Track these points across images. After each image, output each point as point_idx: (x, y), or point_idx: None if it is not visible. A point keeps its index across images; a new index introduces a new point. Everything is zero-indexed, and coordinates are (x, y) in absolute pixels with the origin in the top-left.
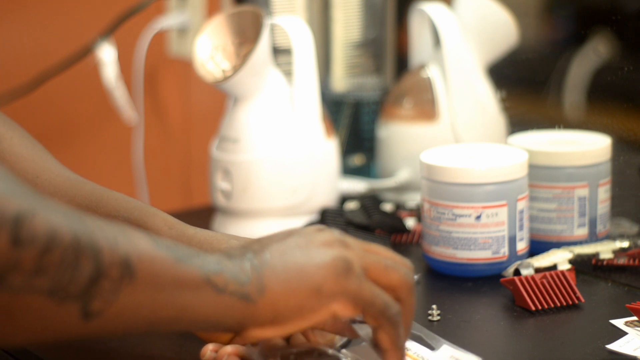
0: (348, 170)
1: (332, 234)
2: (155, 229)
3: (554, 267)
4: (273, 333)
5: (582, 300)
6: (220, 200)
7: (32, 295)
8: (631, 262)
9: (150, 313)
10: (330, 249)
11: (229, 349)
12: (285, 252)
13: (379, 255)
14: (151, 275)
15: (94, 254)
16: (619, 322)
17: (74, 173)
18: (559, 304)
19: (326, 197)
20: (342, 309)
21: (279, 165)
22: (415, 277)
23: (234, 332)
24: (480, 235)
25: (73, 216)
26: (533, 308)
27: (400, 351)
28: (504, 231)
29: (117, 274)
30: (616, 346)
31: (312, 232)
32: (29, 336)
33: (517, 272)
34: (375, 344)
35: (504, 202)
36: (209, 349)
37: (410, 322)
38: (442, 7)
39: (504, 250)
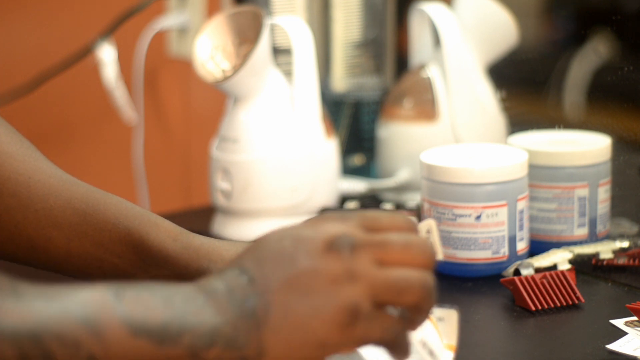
0: (348, 170)
1: (340, 256)
2: (158, 241)
3: (554, 267)
4: None
5: (582, 300)
6: (220, 200)
7: None
8: (631, 262)
9: None
10: (336, 290)
11: None
12: (290, 305)
13: (393, 249)
14: None
15: (45, 355)
16: (619, 322)
17: (66, 173)
18: (559, 304)
19: (326, 197)
20: (348, 351)
21: (279, 165)
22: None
23: None
24: (480, 235)
25: (26, 329)
26: (533, 308)
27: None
28: (504, 231)
29: None
30: (616, 346)
31: (318, 254)
32: None
33: (517, 272)
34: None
35: (504, 202)
36: None
37: (421, 322)
38: (442, 7)
39: (504, 250)
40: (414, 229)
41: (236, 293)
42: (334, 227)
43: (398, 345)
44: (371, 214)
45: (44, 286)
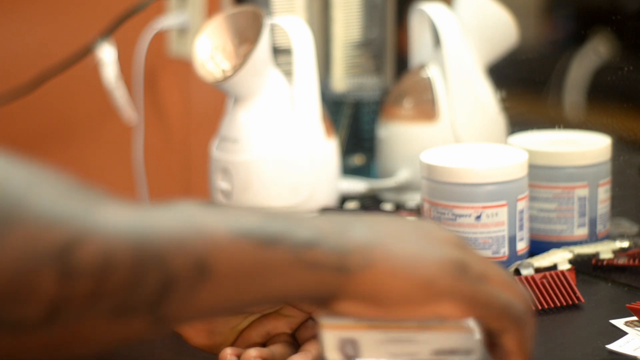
0: (348, 170)
1: (451, 232)
2: None
3: (554, 267)
4: (368, 312)
5: (582, 300)
6: (220, 200)
7: (92, 320)
8: (631, 262)
9: (231, 301)
10: (448, 247)
11: (253, 352)
12: (402, 237)
13: (500, 272)
14: (230, 269)
15: (160, 264)
16: (619, 322)
17: None
18: (559, 304)
19: (326, 197)
20: (452, 311)
21: (279, 165)
22: None
23: (322, 305)
24: (480, 235)
25: (134, 223)
26: (533, 308)
27: (527, 356)
28: (504, 231)
29: (190, 277)
30: (616, 346)
31: (430, 226)
32: (95, 352)
33: (517, 272)
34: (495, 350)
35: (504, 202)
36: (227, 352)
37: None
38: (442, 7)
39: (504, 250)
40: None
41: (344, 220)
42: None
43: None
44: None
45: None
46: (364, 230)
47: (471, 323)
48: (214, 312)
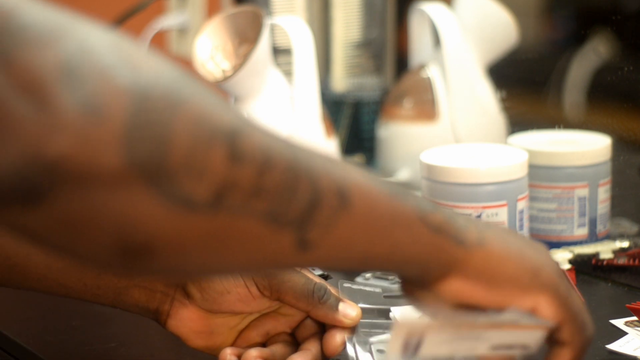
0: None
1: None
2: None
3: None
4: (475, 292)
5: (582, 300)
6: None
7: (250, 218)
8: (631, 262)
9: (363, 247)
10: (547, 254)
11: (253, 352)
12: (507, 232)
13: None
14: (367, 207)
15: (311, 180)
16: (619, 322)
17: None
18: None
19: None
20: (546, 306)
21: None
22: None
23: (429, 282)
24: None
25: (285, 141)
26: None
27: None
28: None
29: (334, 203)
30: (616, 346)
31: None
32: (243, 263)
33: None
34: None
35: (504, 202)
36: (227, 352)
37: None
38: (442, 7)
39: None
40: None
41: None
42: None
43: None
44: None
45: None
46: (470, 219)
47: (545, 322)
48: (346, 256)
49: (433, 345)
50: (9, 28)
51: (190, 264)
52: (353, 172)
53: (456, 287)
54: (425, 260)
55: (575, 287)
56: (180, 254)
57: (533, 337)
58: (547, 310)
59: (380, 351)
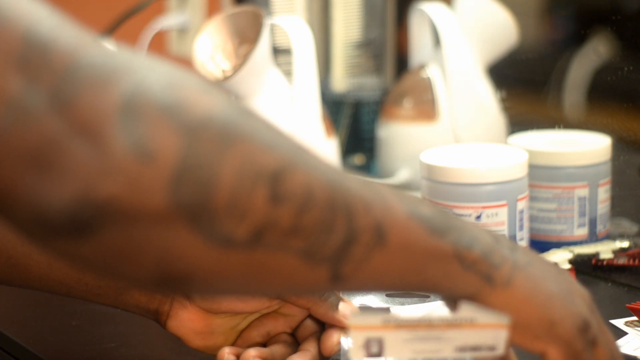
0: (348, 170)
1: (588, 294)
2: None
3: None
4: None
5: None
6: None
7: (286, 255)
8: (631, 262)
9: (396, 279)
10: (581, 301)
11: (252, 352)
12: (544, 273)
13: (609, 343)
14: (402, 245)
15: (348, 217)
16: (619, 322)
17: None
18: None
19: None
20: (554, 356)
21: None
22: None
23: (451, 299)
24: None
25: (330, 172)
26: None
27: None
28: (504, 231)
29: (370, 240)
30: None
31: (569, 276)
32: (276, 292)
33: None
34: None
35: (504, 202)
36: (225, 352)
37: None
38: (442, 7)
39: None
40: None
41: (494, 236)
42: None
43: None
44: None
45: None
46: (512, 252)
47: (501, 319)
48: (377, 286)
49: (395, 346)
50: (70, 70)
51: (226, 291)
52: (394, 206)
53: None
54: (452, 290)
55: None
56: (217, 284)
57: (497, 337)
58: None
59: None
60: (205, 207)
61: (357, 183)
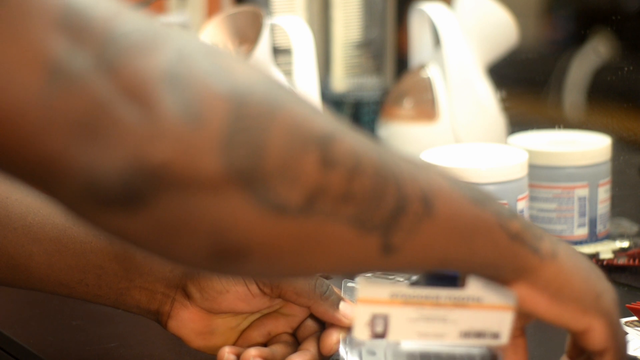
0: None
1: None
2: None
3: None
4: (538, 302)
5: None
6: None
7: (338, 223)
8: (631, 262)
9: (444, 251)
10: (607, 281)
11: (252, 351)
12: (574, 253)
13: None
14: (448, 214)
15: (397, 185)
16: None
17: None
18: None
19: None
20: (600, 331)
21: None
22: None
23: (502, 282)
24: None
25: (373, 145)
26: None
27: None
28: None
29: (418, 209)
30: None
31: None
32: (330, 265)
33: None
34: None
35: (504, 202)
36: (225, 351)
37: None
38: (442, 7)
39: None
40: None
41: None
42: None
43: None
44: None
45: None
46: (544, 231)
47: (508, 300)
48: (426, 260)
49: (400, 325)
50: (113, 35)
51: (280, 266)
52: (437, 178)
53: (522, 293)
54: (501, 264)
55: None
56: (272, 258)
57: (502, 322)
58: (599, 335)
59: (370, 352)
60: (257, 171)
61: (398, 154)
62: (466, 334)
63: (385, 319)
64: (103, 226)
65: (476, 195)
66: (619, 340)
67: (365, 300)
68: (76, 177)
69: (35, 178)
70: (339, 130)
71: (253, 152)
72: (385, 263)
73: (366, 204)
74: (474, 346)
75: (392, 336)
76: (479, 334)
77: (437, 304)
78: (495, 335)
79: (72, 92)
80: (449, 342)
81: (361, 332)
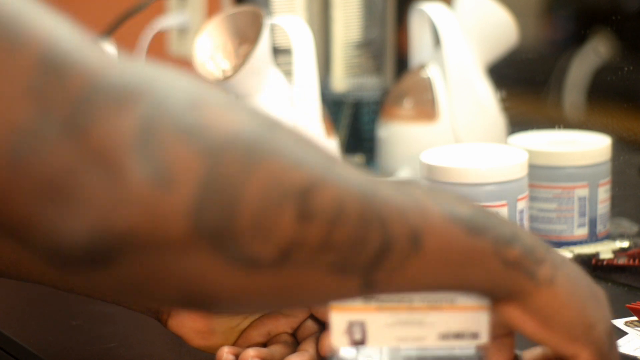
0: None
1: (604, 294)
2: None
3: None
4: (528, 325)
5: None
6: None
7: (315, 270)
8: (631, 262)
9: (431, 282)
10: (605, 306)
11: (251, 352)
12: (577, 275)
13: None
14: (439, 249)
15: (382, 227)
16: (619, 322)
17: None
18: None
19: None
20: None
21: None
22: None
23: (494, 302)
24: None
25: (363, 183)
26: None
27: None
28: None
29: (404, 248)
30: None
31: (593, 282)
32: (306, 305)
33: None
34: None
35: (504, 202)
36: (224, 351)
37: None
38: (442, 7)
39: None
40: None
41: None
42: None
43: None
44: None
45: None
46: (548, 250)
47: (481, 301)
48: (412, 288)
49: (378, 331)
50: (87, 94)
51: (254, 308)
52: (433, 209)
53: (512, 314)
54: (494, 289)
55: None
56: (244, 304)
57: (478, 321)
58: None
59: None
60: (228, 231)
61: (391, 189)
62: (445, 336)
63: (362, 326)
64: (74, 280)
65: (475, 222)
66: None
67: (339, 309)
68: (43, 239)
69: (3, 237)
70: (324, 176)
71: (225, 212)
72: (365, 294)
73: (347, 250)
74: (456, 348)
75: (371, 343)
76: (458, 335)
77: (411, 307)
78: (475, 336)
79: (39, 157)
80: (430, 345)
81: (340, 340)
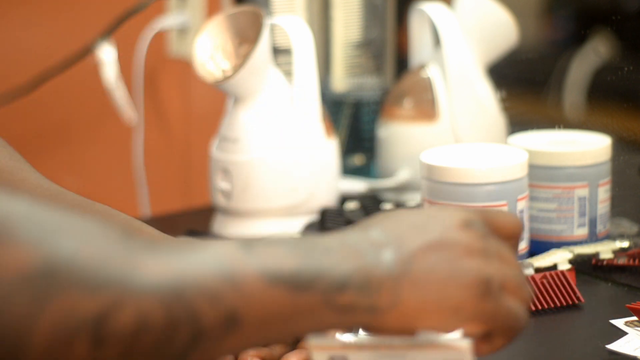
0: (348, 170)
1: (476, 234)
2: None
3: (554, 267)
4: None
5: (582, 300)
6: (220, 200)
7: None
8: (631, 262)
9: (258, 343)
10: (472, 261)
11: (250, 351)
12: (431, 264)
13: (514, 268)
14: (260, 319)
15: (191, 321)
16: (619, 322)
17: (53, 183)
18: (559, 304)
19: (326, 197)
20: (474, 330)
21: (279, 165)
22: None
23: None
24: None
25: (171, 282)
26: (533, 308)
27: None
28: None
29: (218, 331)
30: (616, 346)
31: (457, 230)
32: None
33: None
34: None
35: (504, 202)
36: None
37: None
38: (442, 7)
39: None
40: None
41: (373, 244)
42: (464, 212)
43: (515, 335)
44: (490, 212)
45: (173, 240)
46: (390, 256)
47: (464, 339)
48: (236, 353)
49: None
50: None
51: None
52: (248, 280)
53: (379, 332)
54: (334, 331)
55: (575, 287)
56: None
57: (462, 353)
58: (475, 332)
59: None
60: None
61: (203, 271)
62: None
63: (344, 359)
64: None
65: (301, 277)
66: (498, 320)
67: (319, 347)
68: None
69: None
70: (121, 295)
71: (13, 357)
72: None
73: (152, 352)
74: None
75: None
76: None
77: (391, 347)
78: None
79: None
80: None
81: None
